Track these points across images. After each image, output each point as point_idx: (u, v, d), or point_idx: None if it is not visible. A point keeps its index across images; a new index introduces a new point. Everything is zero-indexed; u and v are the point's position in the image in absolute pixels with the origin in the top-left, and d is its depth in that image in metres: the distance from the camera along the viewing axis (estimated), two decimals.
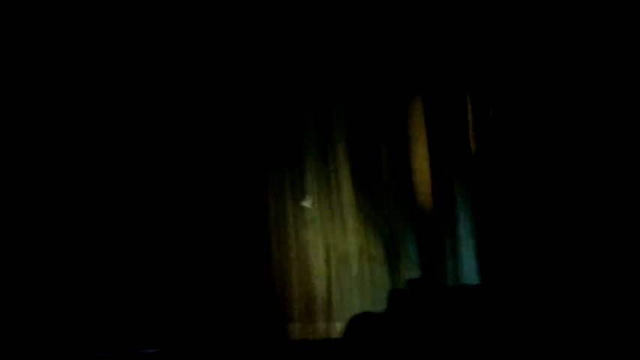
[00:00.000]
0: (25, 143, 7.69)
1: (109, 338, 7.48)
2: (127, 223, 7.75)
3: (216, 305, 7.77)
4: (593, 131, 7.88)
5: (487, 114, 8.26)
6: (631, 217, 7.68)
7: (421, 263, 8.09)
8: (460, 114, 8.27)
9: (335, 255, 8.04)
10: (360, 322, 3.98)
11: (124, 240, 7.74)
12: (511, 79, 8.13)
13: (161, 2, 7.89)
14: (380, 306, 7.37)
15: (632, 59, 7.80)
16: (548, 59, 8.01)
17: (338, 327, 7.73)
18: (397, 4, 8.16)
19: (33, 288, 7.46)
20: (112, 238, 7.71)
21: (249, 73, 8.10)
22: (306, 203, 8.10)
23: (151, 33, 7.89)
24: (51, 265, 7.55)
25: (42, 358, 7.26)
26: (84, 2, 7.79)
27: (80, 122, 7.79)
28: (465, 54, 8.19)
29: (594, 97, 7.88)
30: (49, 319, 7.40)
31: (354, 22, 8.15)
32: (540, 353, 5.64)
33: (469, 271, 8.05)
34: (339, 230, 8.09)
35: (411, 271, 8.04)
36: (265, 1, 8.04)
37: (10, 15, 7.67)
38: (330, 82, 8.20)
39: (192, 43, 7.96)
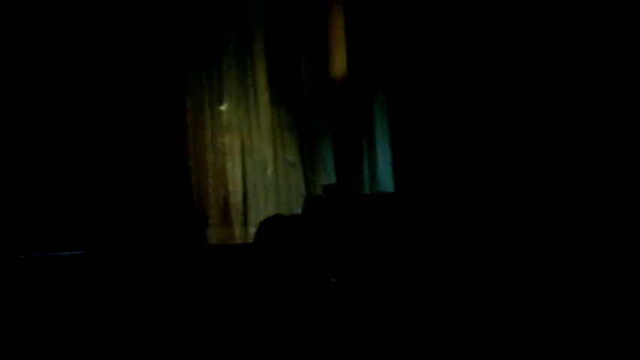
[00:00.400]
0: None
1: (30, 241, 7.40)
2: (49, 121, 7.62)
3: (135, 210, 7.71)
4: None
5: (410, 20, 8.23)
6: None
7: (337, 170, 8.12)
8: (382, 19, 8.23)
9: (250, 160, 8.01)
10: (271, 225, 3.96)
11: (46, 138, 7.62)
12: None
13: None
14: (294, 211, 7.42)
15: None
16: None
17: (253, 232, 7.74)
18: None
19: None
20: (34, 137, 7.59)
21: None
22: (223, 107, 8.03)
23: None
24: None
25: None
26: None
27: None
28: None
29: None
30: None
31: None
32: (451, 264, 5.72)
33: (384, 180, 8.11)
34: (255, 135, 8.04)
35: (326, 178, 8.07)
36: None
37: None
38: None
39: None
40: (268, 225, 3.91)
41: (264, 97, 8.09)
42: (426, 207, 6.75)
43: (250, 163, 8.01)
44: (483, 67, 7.91)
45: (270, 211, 7.73)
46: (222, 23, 8.05)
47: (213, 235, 7.86)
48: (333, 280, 4.27)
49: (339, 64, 8.26)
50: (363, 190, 7.99)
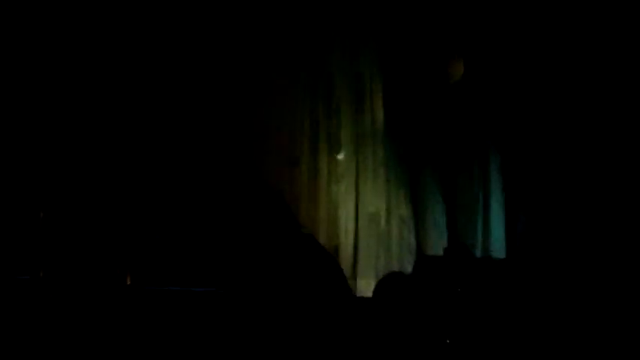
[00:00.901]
0: None
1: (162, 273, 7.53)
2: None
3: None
4: None
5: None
6: None
7: (449, 229, 8.06)
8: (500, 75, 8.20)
9: (364, 212, 8.02)
10: (389, 283, 3.95)
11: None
12: None
13: None
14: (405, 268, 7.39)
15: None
16: None
17: (362, 284, 7.73)
18: None
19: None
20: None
21: None
22: (340, 156, 8.06)
23: None
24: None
25: None
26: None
27: None
28: None
29: None
30: None
31: None
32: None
33: (497, 244, 8.02)
34: (369, 189, 8.05)
35: (438, 236, 8.02)
36: None
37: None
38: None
39: None
40: (387, 282, 3.91)
41: (379, 152, 8.09)
42: (534, 276, 6.66)
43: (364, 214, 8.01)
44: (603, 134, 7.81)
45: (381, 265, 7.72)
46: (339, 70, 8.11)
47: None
48: (447, 341, 4.24)
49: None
50: (475, 252, 7.90)
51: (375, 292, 3.93)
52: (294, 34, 8.02)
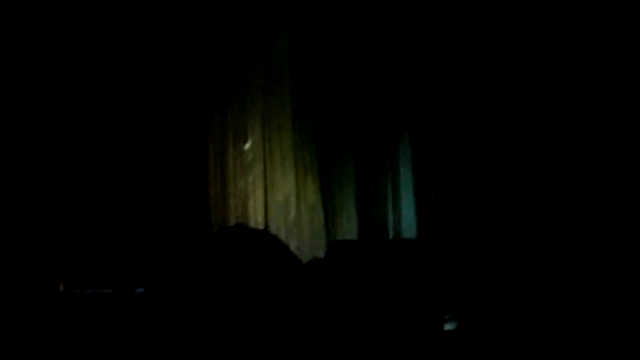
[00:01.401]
0: None
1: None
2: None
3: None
4: None
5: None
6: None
7: (360, 213, 8.07)
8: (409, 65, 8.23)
9: (273, 201, 7.97)
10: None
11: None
12: None
13: None
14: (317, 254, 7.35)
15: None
16: None
17: None
18: None
19: None
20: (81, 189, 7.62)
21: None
22: (247, 145, 7.98)
23: None
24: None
25: None
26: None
27: None
28: None
29: None
30: None
31: None
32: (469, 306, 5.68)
33: (407, 225, 8.06)
34: (278, 177, 8.00)
35: (348, 220, 8.02)
36: None
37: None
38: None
39: None
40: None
41: (287, 138, 8.04)
42: (446, 256, 6.70)
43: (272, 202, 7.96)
44: (511, 115, 7.89)
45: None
46: (247, 66, 8.02)
47: None
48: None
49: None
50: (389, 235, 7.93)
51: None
52: (205, 22, 7.94)
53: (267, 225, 7.88)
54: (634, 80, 7.55)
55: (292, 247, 7.84)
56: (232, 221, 7.82)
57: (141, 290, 7.13)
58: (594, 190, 7.58)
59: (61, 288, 7.25)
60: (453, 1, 8.06)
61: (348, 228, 8.10)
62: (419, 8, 8.13)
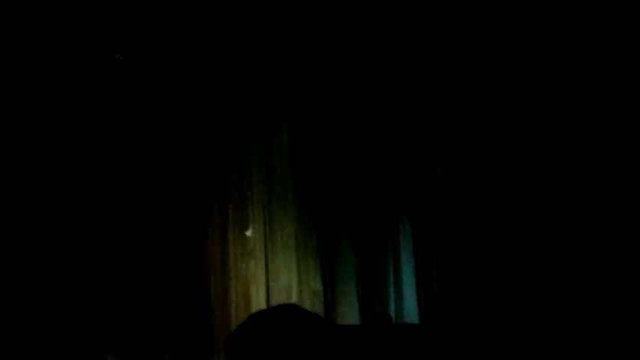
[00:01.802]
0: None
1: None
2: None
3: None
4: None
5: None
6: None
7: (362, 299, 8.06)
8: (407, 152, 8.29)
9: (275, 287, 7.96)
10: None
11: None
12: None
13: None
14: None
15: None
16: None
17: None
18: None
19: None
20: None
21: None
22: (248, 232, 8.00)
23: None
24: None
25: None
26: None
27: None
28: None
29: None
30: None
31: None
32: None
33: (410, 310, 8.04)
34: (280, 263, 8.01)
35: (350, 307, 8.00)
36: None
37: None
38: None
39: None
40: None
41: (289, 227, 8.07)
42: (450, 341, 6.68)
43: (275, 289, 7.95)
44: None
45: None
46: (247, 156, 8.09)
47: None
48: None
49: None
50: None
51: None
52: (202, 115, 8.01)
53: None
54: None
55: None
56: (233, 308, 7.81)
57: None
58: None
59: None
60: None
61: (351, 313, 8.09)
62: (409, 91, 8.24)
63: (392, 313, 7.93)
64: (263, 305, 7.86)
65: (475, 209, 8.09)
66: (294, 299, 7.97)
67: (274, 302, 7.92)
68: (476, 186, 8.12)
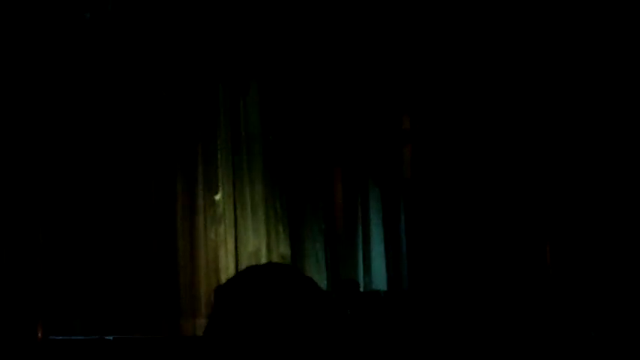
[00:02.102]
0: None
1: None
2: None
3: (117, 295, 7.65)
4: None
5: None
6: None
7: (330, 264, 8.07)
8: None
9: (244, 251, 7.95)
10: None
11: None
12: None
13: None
14: None
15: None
16: None
17: None
18: None
19: None
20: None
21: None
22: (217, 196, 7.97)
23: None
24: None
25: None
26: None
27: None
28: None
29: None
30: None
31: None
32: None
33: (378, 278, 8.06)
34: (250, 228, 8.00)
35: (318, 270, 8.03)
36: None
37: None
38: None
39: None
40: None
41: (259, 191, 8.05)
42: (415, 308, 6.71)
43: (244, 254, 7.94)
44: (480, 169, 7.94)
45: None
46: (216, 119, 8.04)
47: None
48: None
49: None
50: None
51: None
52: (171, 77, 7.95)
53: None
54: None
55: None
56: (202, 272, 7.81)
57: (110, 338, 7.10)
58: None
59: (39, 335, 7.23)
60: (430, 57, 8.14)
61: (319, 279, 8.09)
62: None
63: (360, 278, 7.94)
64: (232, 269, 7.86)
65: (444, 174, 8.09)
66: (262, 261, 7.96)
67: (242, 266, 7.91)
68: (444, 150, 8.11)
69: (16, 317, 7.22)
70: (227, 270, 7.80)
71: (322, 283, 8.08)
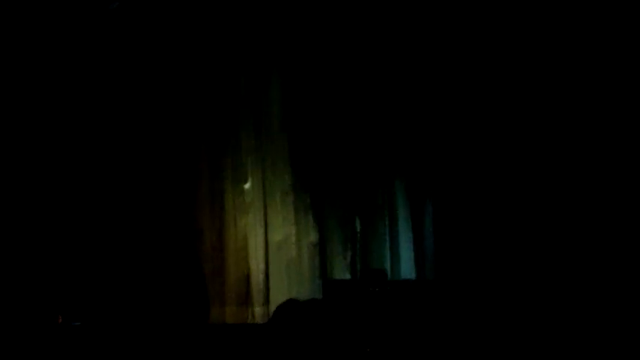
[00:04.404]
0: None
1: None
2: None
3: (147, 284, 7.69)
4: None
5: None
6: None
7: (361, 254, 8.12)
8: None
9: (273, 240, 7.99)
10: (286, 309, 3.91)
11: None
12: None
13: None
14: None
15: None
16: None
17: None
18: None
19: None
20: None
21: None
22: (247, 185, 8.02)
23: None
24: None
25: None
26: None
27: None
28: None
29: None
30: None
31: None
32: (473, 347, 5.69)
33: (406, 266, 8.09)
34: (278, 215, 8.04)
35: (346, 260, 8.06)
36: None
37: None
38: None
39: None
40: (285, 309, 3.86)
41: (285, 179, 8.09)
42: (446, 296, 6.72)
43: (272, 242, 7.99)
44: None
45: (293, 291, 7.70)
46: (242, 110, 8.09)
47: (231, 314, 7.79)
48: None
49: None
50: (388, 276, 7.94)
51: (271, 320, 3.87)
52: (195, 68, 8.01)
53: (267, 263, 7.91)
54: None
55: (293, 286, 7.89)
56: (232, 260, 7.86)
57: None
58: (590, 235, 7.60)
59: (60, 320, 7.27)
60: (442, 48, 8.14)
61: (347, 268, 8.13)
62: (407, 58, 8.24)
63: (387, 268, 7.97)
64: (261, 258, 7.90)
65: (471, 167, 8.11)
66: (292, 253, 8.00)
67: (272, 255, 7.96)
68: (472, 143, 8.12)
69: (39, 304, 7.28)
70: (256, 258, 7.86)
71: (350, 272, 8.12)
